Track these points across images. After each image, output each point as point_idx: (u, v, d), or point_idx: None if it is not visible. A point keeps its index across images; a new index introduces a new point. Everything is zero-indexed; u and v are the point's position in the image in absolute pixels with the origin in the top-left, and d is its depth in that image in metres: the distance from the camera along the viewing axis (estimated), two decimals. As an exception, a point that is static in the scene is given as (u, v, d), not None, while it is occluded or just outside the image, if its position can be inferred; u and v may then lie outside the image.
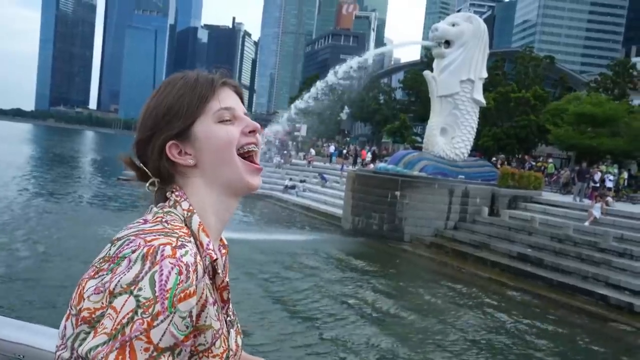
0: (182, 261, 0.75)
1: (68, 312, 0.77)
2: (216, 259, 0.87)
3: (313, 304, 10.89)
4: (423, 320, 10.73)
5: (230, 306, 0.95)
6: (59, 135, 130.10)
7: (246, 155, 0.95)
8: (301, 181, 29.51)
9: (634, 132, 28.43)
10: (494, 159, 33.02)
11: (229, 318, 0.94)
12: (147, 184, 0.93)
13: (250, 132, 0.96)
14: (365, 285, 12.97)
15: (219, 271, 0.89)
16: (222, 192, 0.94)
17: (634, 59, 48.04)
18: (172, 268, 0.74)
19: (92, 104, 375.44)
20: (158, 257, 0.74)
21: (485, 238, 17.21)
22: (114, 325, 0.71)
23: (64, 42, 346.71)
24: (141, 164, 0.93)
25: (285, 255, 15.15)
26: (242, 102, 1.00)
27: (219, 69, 0.99)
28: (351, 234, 19.46)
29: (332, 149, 39.83)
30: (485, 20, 21.81)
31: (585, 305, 12.30)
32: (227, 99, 0.95)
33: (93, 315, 0.73)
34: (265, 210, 25.14)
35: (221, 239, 1.01)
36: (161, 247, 0.76)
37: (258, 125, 0.98)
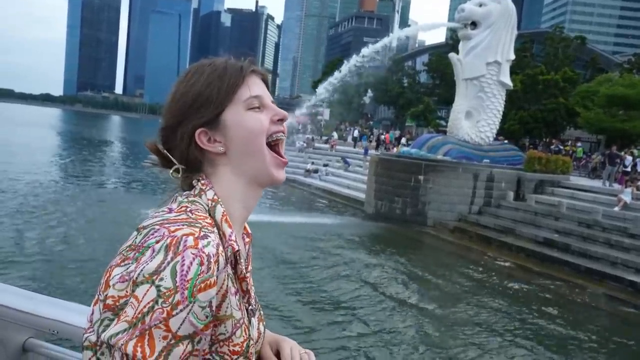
0: (204, 252, 0.76)
1: (97, 297, 0.79)
2: (238, 250, 0.88)
3: (335, 288, 10.94)
4: (445, 305, 10.70)
5: (252, 294, 0.96)
6: (86, 120, 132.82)
7: (273, 144, 0.96)
8: (324, 165, 29.51)
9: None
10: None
11: (250, 307, 0.94)
12: (171, 171, 0.93)
13: (278, 120, 0.97)
14: (387, 269, 12.97)
15: (241, 261, 0.90)
16: (248, 181, 0.95)
17: (670, 39, 46.12)
18: (194, 259, 0.75)
19: (118, 89, 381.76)
20: (180, 248, 0.75)
21: (510, 223, 16.98)
22: (135, 313, 0.72)
23: (90, 27, 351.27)
24: (165, 151, 0.94)
25: (308, 239, 15.24)
26: (269, 89, 1.00)
27: (247, 56, 0.98)
28: (374, 218, 19.44)
29: (356, 133, 39.55)
30: (514, 0, 21.16)
31: (614, 292, 12.07)
32: (255, 87, 0.95)
33: (117, 303, 0.75)
34: (287, 194, 25.27)
35: (245, 227, 1.01)
36: (184, 237, 0.77)
37: (286, 114, 0.98)
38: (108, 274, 0.78)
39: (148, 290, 0.73)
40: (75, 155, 35.84)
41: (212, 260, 0.77)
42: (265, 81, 0.99)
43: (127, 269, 0.76)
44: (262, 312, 1.01)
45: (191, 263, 0.74)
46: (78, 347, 0.99)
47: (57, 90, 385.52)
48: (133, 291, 0.74)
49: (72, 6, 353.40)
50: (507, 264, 14.43)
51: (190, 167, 0.94)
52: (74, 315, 1.20)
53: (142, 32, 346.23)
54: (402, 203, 19.09)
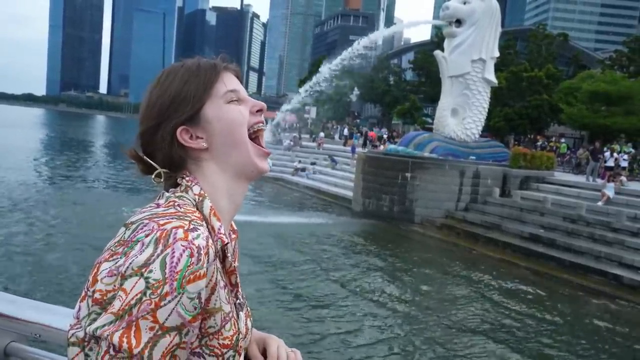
0: (194, 244, 0.77)
1: (84, 293, 0.79)
2: (227, 243, 0.88)
3: (322, 287, 10.97)
4: (432, 302, 10.79)
5: (240, 289, 0.96)
6: (70, 120, 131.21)
7: (254, 136, 0.97)
8: (311, 163, 29.51)
9: (649, 111, 27.95)
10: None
11: (238, 301, 0.94)
12: (153, 176, 0.93)
13: (257, 111, 0.98)
14: (375, 267, 13.04)
15: (229, 255, 0.90)
16: (234, 175, 0.96)
17: (650, 35, 46.88)
18: (184, 250, 0.75)
19: (103, 89, 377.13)
20: (170, 240, 0.76)
21: (497, 219, 17.15)
22: (122, 305, 0.72)
23: (73, 27, 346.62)
24: (146, 157, 0.94)
25: (295, 238, 15.24)
26: (242, 85, 1.01)
27: (220, 55, 1.00)
28: (362, 215, 19.49)
29: (345, 131, 39.65)
30: (497, -2, 21.33)
31: (598, 286, 12.26)
32: (230, 81, 0.97)
33: (105, 297, 0.75)
34: (275, 193, 25.23)
35: (231, 224, 1.02)
36: (174, 230, 0.77)
37: (264, 104, 1.00)
38: (96, 269, 0.78)
39: (137, 282, 0.73)
40: (58, 156, 35.37)
41: (202, 252, 0.77)
42: (238, 77, 1.00)
43: (116, 263, 0.76)
44: (249, 308, 1.01)
45: (181, 255, 0.75)
46: (61, 350, 0.97)
47: (40, 90, 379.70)
48: (121, 285, 0.74)
49: (54, 5, 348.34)
50: (493, 259, 14.57)
51: (174, 167, 0.94)
52: (57, 318, 1.19)
53: (126, 31, 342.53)
54: (390, 200, 19.17)
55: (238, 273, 0.96)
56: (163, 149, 0.92)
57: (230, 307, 0.89)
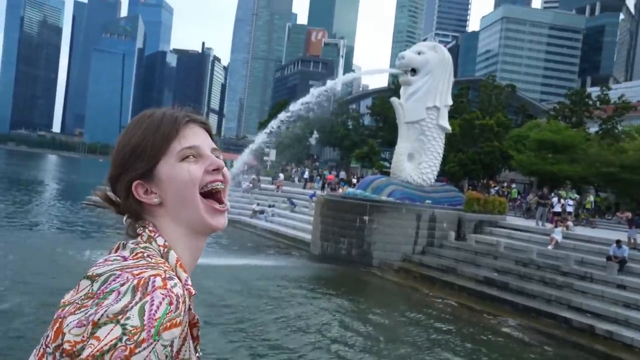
0: (172, 292, 0.77)
1: (42, 351, 0.76)
2: (194, 294, 0.88)
3: (277, 332, 10.69)
4: (387, 347, 10.66)
5: (199, 343, 0.95)
6: (18, 159, 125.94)
7: (211, 193, 0.97)
8: (270, 206, 29.33)
9: (590, 159, 29.57)
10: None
11: (198, 354, 0.93)
12: (125, 219, 0.96)
13: (214, 170, 0.97)
14: (332, 312, 12.85)
15: (192, 308, 0.89)
16: (188, 231, 0.96)
17: (589, 89, 50.32)
18: (164, 298, 0.75)
19: (56, 128, 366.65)
20: (149, 288, 0.75)
21: (453, 262, 17.40)
22: (92, 351, 0.71)
23: (28, 64, 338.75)
24: (117, 199, 0.97)
25: (252, 282, 14.91)
26: (212, 137, 1.01)
27: (188, 106, 1.01)
28: (320, 259, 19.35)
29: (306, 174, 39.79)
30: (450, 50, 22.52)
31: (549, 329, 12.50)
32: (191, 137, 0.96)
33: (74, 349, 0.73)
34: (232, 235, 24.77)
35: None
36: (152, 278, 0.77)
37: (222, 163, 0.99)
38: (58, 324, 0.75)
39: (112, 329, 0.72)
40: (3, 195, 33.67)
41: (180, 300, 0.77)
42: (207, 130, 1.00)
43: (86, 313, 0.74)
44: None
45: (160, 303, 0.74)
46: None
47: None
48: (93, 333, 0.72)
49: (7, 42, 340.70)
50: (450, 303, 14.66)
51: (133, 217, 0.96)
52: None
53: (83, 71, 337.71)
54: (348, 244, 19.18)
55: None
56: (122, 199, 0.95)
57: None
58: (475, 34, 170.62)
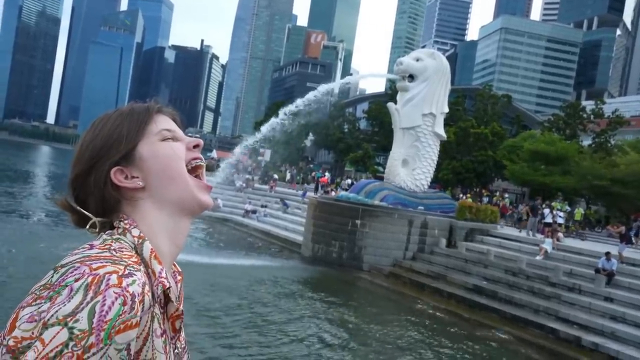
0: (127, 291, 0.72)
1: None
2: (169, 287, 0.84)
3: (264, 334, 10.66)
4: (376, 352, 10.67)
5: (182, 335, 0.92)
6: (10, 149, 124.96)
7: (194, 172, 0.96)
8: (262, 206, 29.29)
9: (582, 171, 29.80)
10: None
11: (176, 350, 0.90)
12: (88, 226, 0.90)
13: (194, 146, 0.98)
14: (320, 315, 12.84)
15: (173, 299, 0.86)
16: (174, 213, 0.93)
17: (583, 102, 50.80)
18: (117, 298, 0.71)
19: (50, 119, 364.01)
20: (102, 287, 0.71)
21: (443, 269, 17.45)
22: (35, 357, 0.66)
23: (24, 54, 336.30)
24: (79, 207, 0.90)
25: (242, 282, 14.86)
26: (180, 128, 1.01)
27: (153, 99, 1.01)
28: (311, 261, 19.33)
29: (287, 176, 40.66)
30: (448, 58, 22.62)
31: (537, 339, 12.55)
32: (164, 123, 0.97)
33: (19, 345, 0.68)
34: (224, 234, 24.71)
35: (175, 265, 0.98)
36: (107, 275, 0.72)
37: (201, 140, 0.99)
38: (15, 315, 0.71)
39: (58, 332, 0.68)
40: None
41: (136, 300, 0.73)
42: (175, 121, 1.00)
43: (39, 308, 0.70)
44: (190, 356, 0.96)
45: (112, 303, 0.70)
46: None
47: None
48: (40, 334, 0.68)
49: (4, 31, 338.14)
50: (438, 310, 14.69)
51: (108, 212, 0.91)
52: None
53: (80, 62, 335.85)
54: (339, 247, 19.18)
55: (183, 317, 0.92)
56: (96, 192, 0.89)
57: (167, 357, 0.84)
58: (473, 43, 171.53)
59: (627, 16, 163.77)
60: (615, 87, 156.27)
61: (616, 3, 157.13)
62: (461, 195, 31.86)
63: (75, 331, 0.68)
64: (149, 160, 0.92)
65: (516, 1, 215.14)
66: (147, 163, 0.92)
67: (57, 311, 0.69)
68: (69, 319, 0.68)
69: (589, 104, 45.01)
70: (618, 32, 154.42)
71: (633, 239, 19.28)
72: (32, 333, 0.68)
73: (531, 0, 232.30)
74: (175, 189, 0.92)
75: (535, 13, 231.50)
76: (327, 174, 40.52)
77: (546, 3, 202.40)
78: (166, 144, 0.94)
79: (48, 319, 0.68)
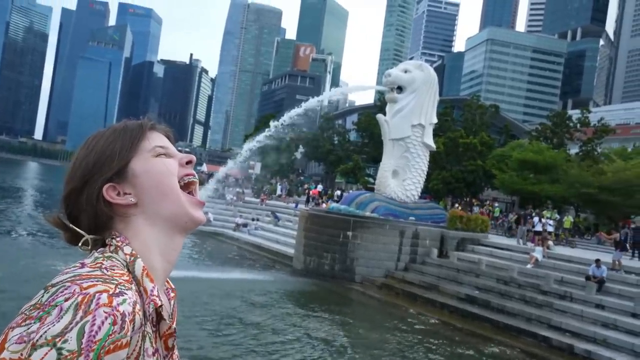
0: (118, 310, 0.72)
1: None
2: (161, 305, 0.84)
3: (257, 347, 10.56)
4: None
5: (176, 352, 0.91)
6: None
7: (187, 189, 0.96)
8: (253, 219, 29.17)
9: (570, 179, 30.08)
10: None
11: None
12: (80, 244, 0.90)
13: (187, 163, 0.98)
14: (313, 328, 12.75)
15: (165, 317, 0.85)
16: (166, 229, 0.92)
17: (570, 111, 51.44)
18: (106, 318, 0.70)
19: (38, 135, 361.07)
20: (92, 306, 0.70)
21: (435, 279, 17.44)
22: None
23: (12, 70, 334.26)
24: (71, 224, 0.90)
25: (234, 296, 14.74)
26: (173, 144, 1.01)
27: (147, 115, 1.01)
28: (303, 274, 19.24)
29: (279, 190, 40.12)
30: (436, 69, 22.87)
31: (529, 347, 12.55)
32: (158, 139, 0.97)
33: None
34: (215, 248, 24.55)
35: (168, 282, 0.98)
36: (97, 295, 0.72)
37: (193, 157, 1.00)
38: (4, 336, 0.70)
39: (47, 354, 0.66)
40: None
41: (127, 319, 0.72)
42: (169, 137, 1.01)
43: (28, 328, 0.69)
44: None
45: (102, 323, 0.69)
46: None
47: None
48: (29, 355, 0.67)
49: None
50: (431, 320, 14.66)
51: (100, 229, 0.91)
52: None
53: (68, 78, 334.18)
54: (331, 259, 19.12)
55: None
56: (89, 209, 0.89)
57: None
58: (460, 55, 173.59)
59: (610, 27, 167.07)
60: (600, 96, 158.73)
61: (599, 14, 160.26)
62: (450, 205, 32.04)
63: (64, 352, 0.66)
64: (141, 176, 0.92)
65: (501, 13, 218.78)
66: (139, 179, 0.91)
67: (46, 332, 0.68)
68: (57, 340, 0.67)
69: (575, 113, 45.61)
70: (601, 42, 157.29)
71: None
72: (21, 354, 0.67)
73: (516, 11, 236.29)
74: (168, 205, 0.92)
75: (521, 24, 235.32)
76: (320, 186, 40.51)
77: (531, 14, 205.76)
78: (159, 160, 0.94)
79: (37, 340, 0.67)
